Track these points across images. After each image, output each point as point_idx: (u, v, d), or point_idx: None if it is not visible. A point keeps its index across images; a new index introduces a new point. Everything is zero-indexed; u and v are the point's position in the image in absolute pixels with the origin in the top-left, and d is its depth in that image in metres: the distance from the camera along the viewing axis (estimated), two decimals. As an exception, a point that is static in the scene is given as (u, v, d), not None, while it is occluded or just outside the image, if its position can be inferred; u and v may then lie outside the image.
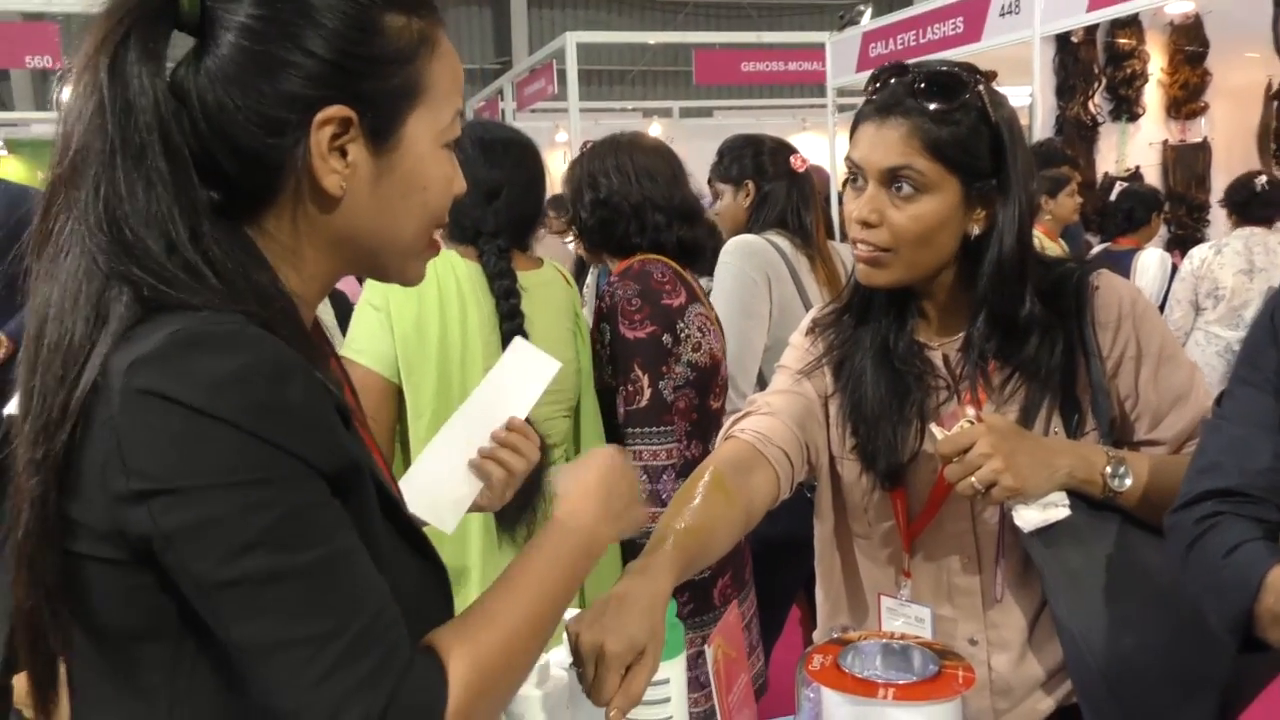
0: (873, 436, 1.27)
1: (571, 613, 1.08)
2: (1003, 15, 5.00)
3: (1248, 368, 1.07)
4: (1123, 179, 5.21)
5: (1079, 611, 1.15)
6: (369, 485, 0.74)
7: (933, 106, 1.17)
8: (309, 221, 0.77)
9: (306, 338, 0.76)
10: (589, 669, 0.91)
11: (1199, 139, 5.73)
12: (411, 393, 1.68)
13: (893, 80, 1.20)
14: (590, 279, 3.58)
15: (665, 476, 1.91)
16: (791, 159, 2.57)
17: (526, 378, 1.26)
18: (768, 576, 2.25)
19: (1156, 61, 5.59)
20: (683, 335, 1.95)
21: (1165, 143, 5.74)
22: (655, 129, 10.79)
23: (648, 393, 1.90)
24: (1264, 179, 4.15)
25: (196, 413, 0.63)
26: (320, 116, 0.73)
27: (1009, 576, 1.26)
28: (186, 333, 0.65)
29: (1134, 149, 5.69)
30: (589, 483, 0.90)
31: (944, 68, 1.21)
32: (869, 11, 6.49)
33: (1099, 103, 5.39)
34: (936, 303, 1.28)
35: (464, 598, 1.69)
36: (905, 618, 1.30)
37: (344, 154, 0.75)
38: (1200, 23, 5.55)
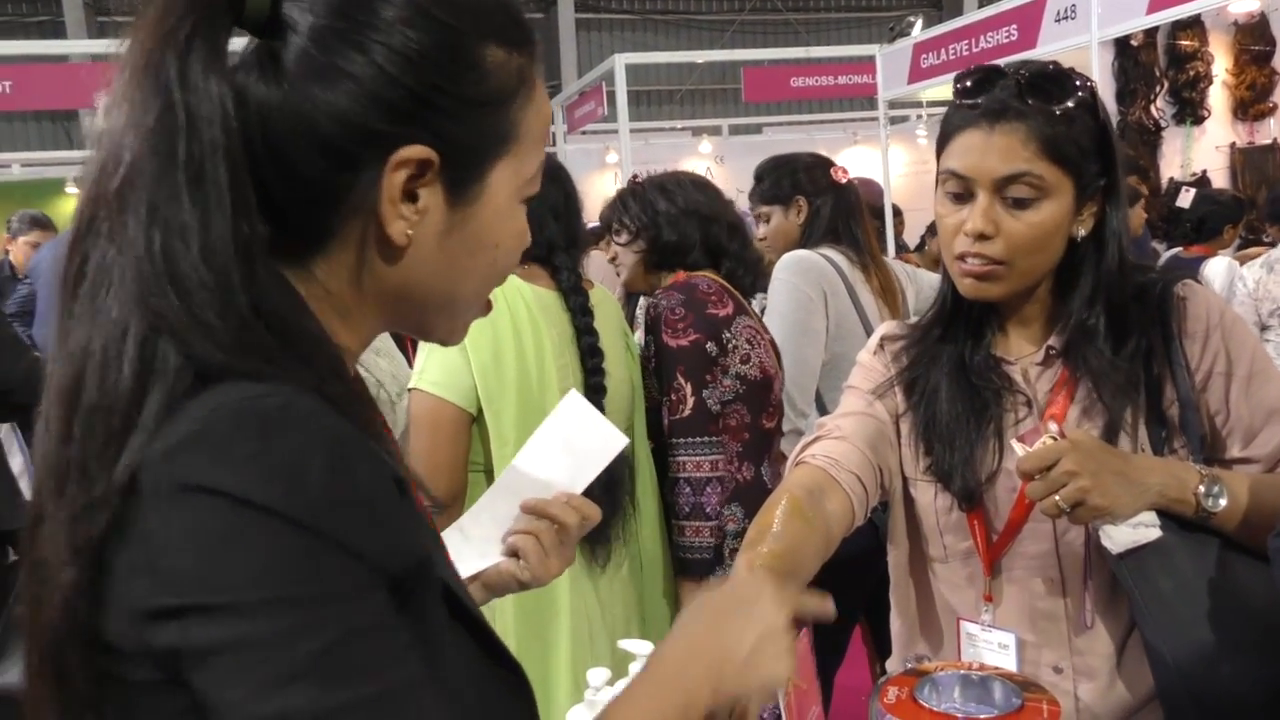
0: (948, 455, 1.22)
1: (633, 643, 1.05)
2: (1059, 21, 4.90)
3: None
4: (1188, 184, 5.08)
5: (1171, 637, 1.09)
6: (436, 584, 0.64)
7: (1049, 107, 1.13)
8: (365, 270, 0.67)
9: (360, 403, 0.66)
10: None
11: (1268, 140, 5.57)
12: (494, 420, 1.68)
13: (993, 83, 1.16)
14: (641, 304, 3.58)
15: (710, 489, 1.88)
16: (832, 171, 2.56)
17: (587, 446, 1.09)
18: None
19: (1221, 62, 5.45)
20: (729, 345, 1.93)
21: (1233, 145, 5.59)
22: (705, 147, 10.80)
23: (690, 401, 1.88)
24: None
25: (240, 505, 0.52)
26: (398, 156, 0.63)
27: (1096, 600, 1.20)
28: (230, 410, 0.55)
29: (1199, 152, 5.54)
30: (698, 636, 0.72)
31: (1048, 66, 1.16)
32: (919, 23, 6.40)
33: (1161, 106, 5.26)
34: (1020, 316, 1.24)
35: (556, 629, 1.69)
36: (988, 644, 1.24)
37: (414, 199, 0.65)
38: (1266, 21, 5.41)
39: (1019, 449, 1.10)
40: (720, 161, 10.08)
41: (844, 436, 1.28)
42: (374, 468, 0.58)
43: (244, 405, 0.55)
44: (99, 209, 0.60)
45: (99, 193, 0.60)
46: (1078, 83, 1.15)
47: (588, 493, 1.53)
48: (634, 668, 1.02)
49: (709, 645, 0.71)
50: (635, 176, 2.22)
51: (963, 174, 1.16)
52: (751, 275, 2.13)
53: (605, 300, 1.93)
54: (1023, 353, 1.24)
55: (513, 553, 1.03)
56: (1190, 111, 5.30)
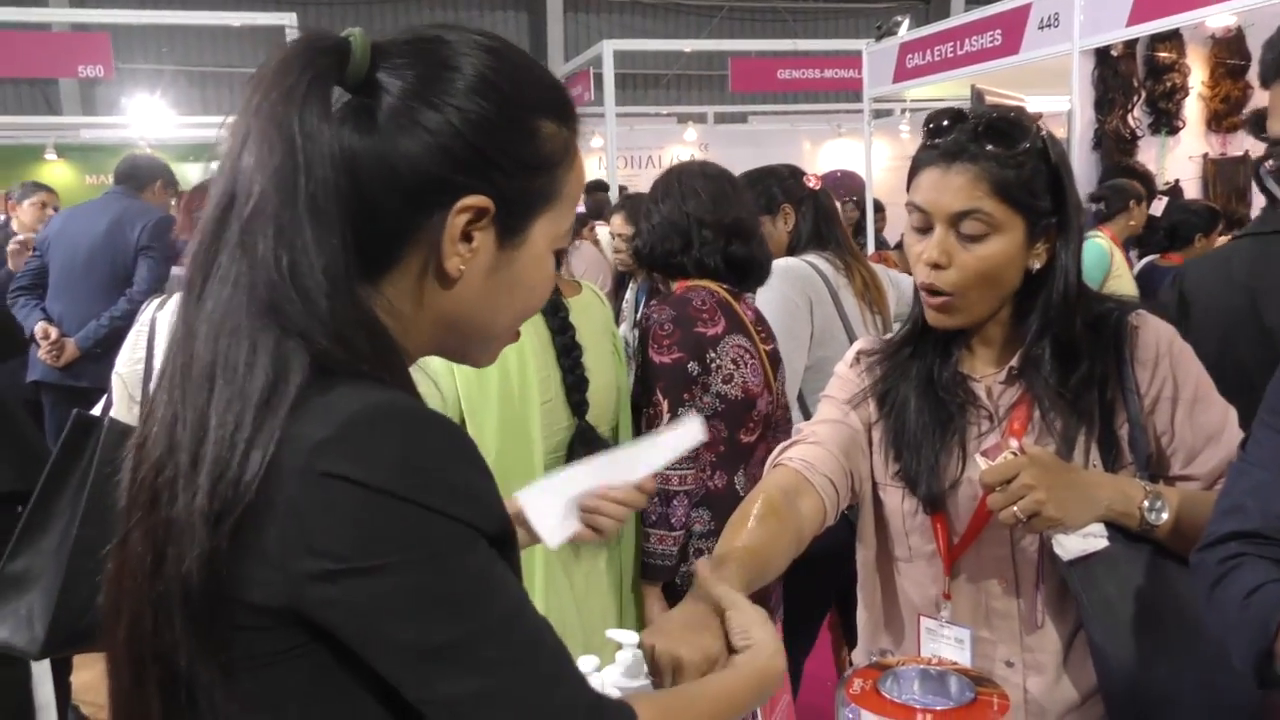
0: (915, 462, 1.32)
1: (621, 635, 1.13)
2: (1042, 28, 4.98)
3: (1272, 414, 1.10)
4: (1162, 193, 5.19)
5: (1114, 638, 1.19)
6: (516, 545, 0.78)
7: (999, 151, 1.21)
8: (424, 295, 0.79)
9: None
10: (665, 679, 0.96)
11: (1240, 152, 5.68)
12: (476, 431, 1.72)
13: (953, 127, 1.25)
14: (630, 294, 3.63)
15: (677, 501, 1.94)
16: (806, 179, 2.66)
17: (675, 443, 1.22)
18: (800, 592, 2.29)
19: (1197, 75, 5.54)
20: (712, 365, 1.98)
21: (1205, 156, 5.70)
22: (690, 134, 10.84)
23: (666, 418, 1.94)
24: None
25: (379, 493, 0.66)
26: (462, 203, 0.76)
27: (1047, 602, 1.30)
28: (366, 413, 0.68)
29: (1173, 162, 5.65)
30: (777, 640, 0.97)
31: (1005, 114, 1.25)
32: (906, 22, 6.47)
33: (1138, 116, 5.36)
34: (985, 337, 1.33)
35: None
36: (945, 639, 1.34)
37: (469, 239, 0.78)
38: (1242, 35, 5.50)
39: (982, 462, 1.19)
40: (705, 149, 10.12)
41: (819, 442, 1.37)
42: (476, 456, 0.73)
43: (374, 409, 0.68)
44: (224, 229, 0.72)
45: (224, 215, 0.72)
46: (1032, 130, 1.25)
47: None
48: (621, 656, 1.09)
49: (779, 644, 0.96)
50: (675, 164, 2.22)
51: (923, 207, 1.26)
52: (755, 279, 2.15)
53: (591, 303, 1.96)
54: (987, 371, 1.33)
55: (591, 526, 1.26)
56: (1166, 122, 5.40)
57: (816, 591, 2.41)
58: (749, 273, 2.12)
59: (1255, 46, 5.47)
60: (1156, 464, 1.28)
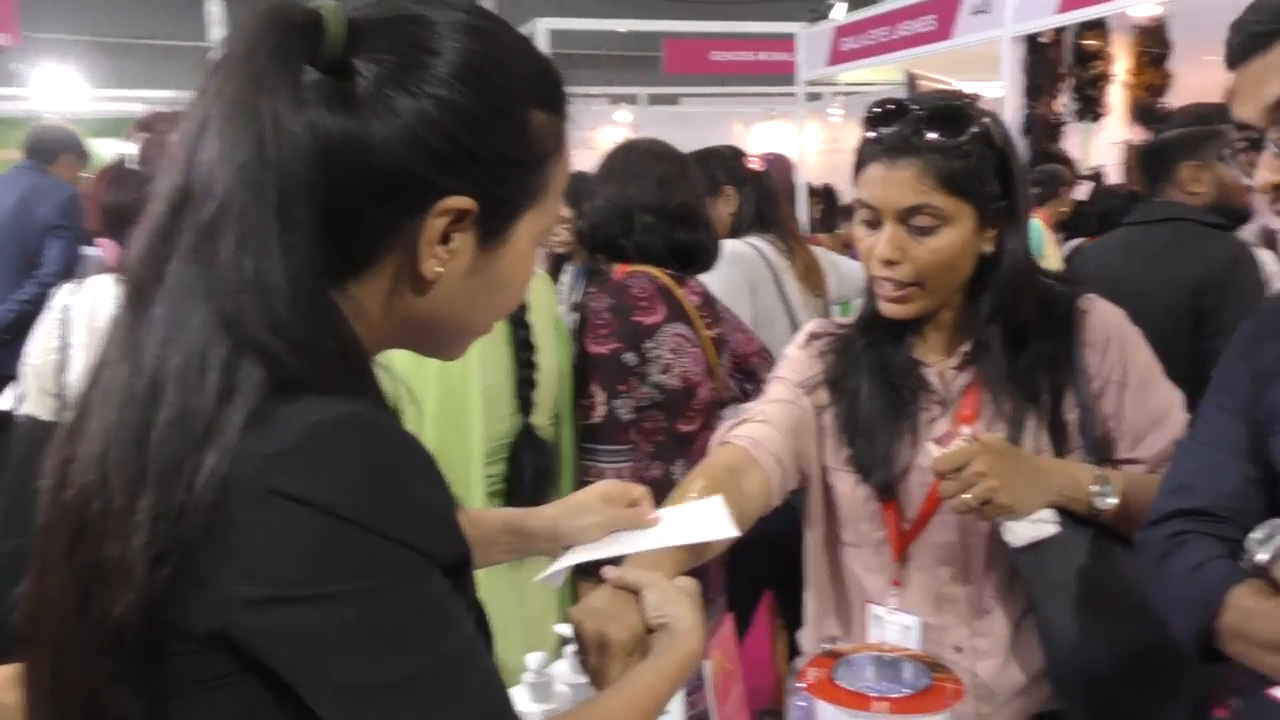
0: (868, 449, 1.30)
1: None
2: (974, 14, 5.03)
3: (1220, 393, 1.12)
4: (1085, 177, 5.31)
5: (1063, 621, 1.19)
6: (470, 571, 0.73)
7: (943, 142, 1.20)
8: (395, 297, 0.72)
9: (397, 416, 0.74)
10: (592, 658, 0.93)
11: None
12: (411, 421, 1.65)
13: (896, 118, 1.23)
14: (566, 277, 3.56)
15: None
16: (746, 161, 2.63)
17: (698, 523, 1.14)
18: (738, 574, 2.28)
19: (1122, 63, 5.68)
20: (650, 355, 1.92)
21: (1128, 143, 5.85)
22: (623, 115, 10.77)
23: (601, 410, 1.89)
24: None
25: (329, 515, 0.60)
26: (443, 205, 0.69)
27: (996, 587, 1.30)
28: (323, 427, 0.62)
29: (1096, 148, 5.79)
30: (695, 613, 0.92)
31: (947, 102, 1.24)
32: (843, 7, 6.50)
33: (1065, 102, 5.47)
34: (938, 323, 1.32)
35: None
36: (893, 625, 1.33)
37: (447, 240, 0.71)
38: (1164, 25, 5.65)
39: (935, 450, 1.18)
40: (637, 130, 10.06)
41: (768, 421, 1.35)
42: (436, 477, 0.67)
43: (333, 423, 0.62)
44: (177, 230, 0.65)
45: (177, 214, 0.65)
46: (975, 115, 1.23)
47: (521, 486, 1.58)
48: (568, 650, 1.06)
49: (698, 618, 0.91)
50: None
51: (871, 204, 1.25)
52: (701, 265, 2.09)
53: (541, 291, 1.89)
54: (940, 357, 1.33)
55: None
56: (1090, 109, 5.54)
57: (754, 575, 2.41)
58: (694, 258, 2.08)
59: (1176, 35, 5.65)
60: (1103, 447, 1.29)
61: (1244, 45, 0.97)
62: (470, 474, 1.65)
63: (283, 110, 0.64)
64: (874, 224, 1.26)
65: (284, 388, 0.63)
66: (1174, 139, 2.48)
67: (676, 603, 0.92)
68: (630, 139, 2.15)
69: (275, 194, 0.63)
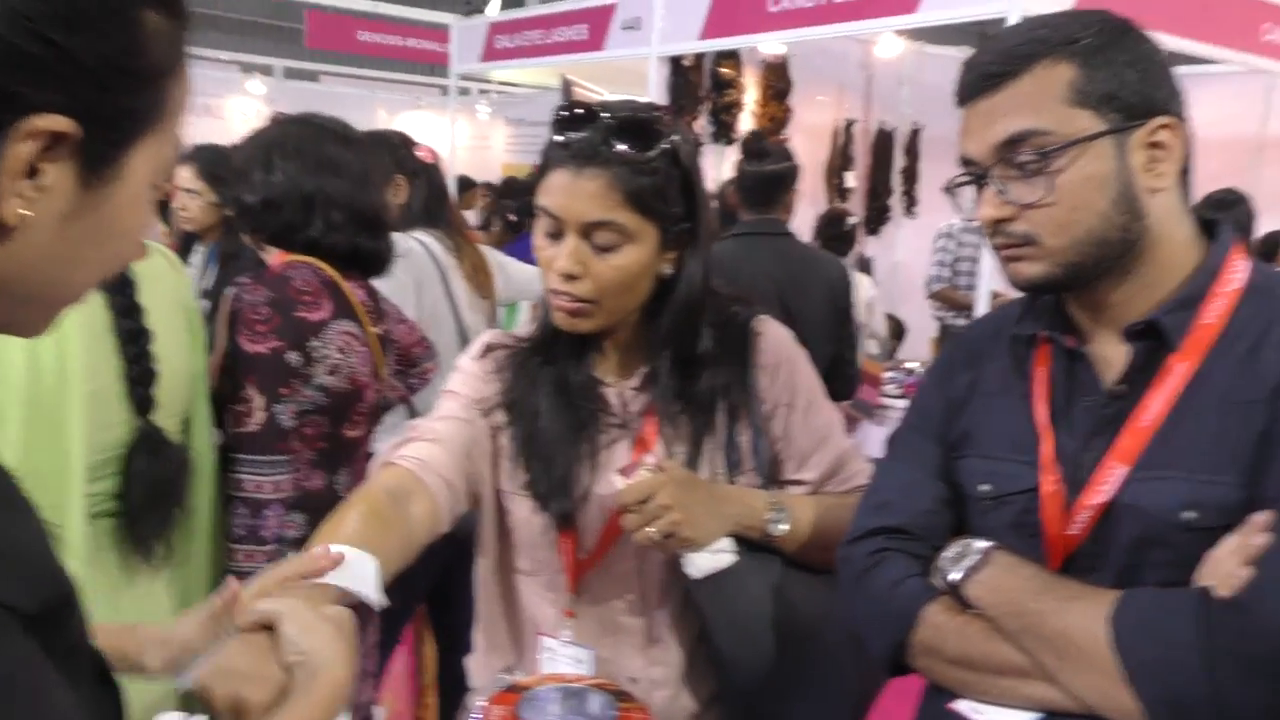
0: (546, 475, 1.24)
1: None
2: (625, 29, 5.21)
3: (916, 415, 1.18)
4: (711, 197, 5.69)
5: (739, 650, 1.20)
6: (78, 611, 0.59)
7: (632, 155, 1.15)
8: None
9: None
10: None
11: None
12: None
13: (586, 124, 1.16)
14: (197, 259, 3.16)
15: (270, 511, 1.67)
16: (418, 151, 2.49)
17: (350, 572, 1.04)
18: (388, 588, 2.14)
19: (752, 94, 6.14)
20: (315, 355, 1.72)
21: (740, 165, 6.36)
22: (256, 87, 9.96)
23: (260, 416, 1.66)
24: (854, 219, 4.73)
25: None
26: (30, 125, 0.53)
27: (670, 615, 1.28)
28: None
29: (726, 171, 6.23)
30: (338, 644, 0.83)
31: (638, 113, 1.19)
32: (498, 4, 6.47)
33: (703, 125, 5.82)
34: (617, 341, 1.28)
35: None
36: (565, 658, 1.27)
37: (34, 174, 0.54)
38: (786, 63, 6.19)
39: (619, 481, 1.13)
40: (271, 104, 9.37)
41: (438, 440, 1.24)
42: (12, 500, 0.56)
43: None
44: None
45: None
46: (665, 132, 1.19)
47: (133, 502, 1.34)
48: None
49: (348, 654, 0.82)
50: (277, 115, 1.90)
51: (554, 213, 1.18)
52: (375, 271, 1.91)
53: (164, 273, 1.60)
54: (620, 376, 1.29)
55: None
56: (724, 133, 5.94)
57: (404, 591, 2.27)
58: (372, 268, 1.90)
59: (796, 74, 6.21)
60: (773, 467, 1.31)
61: (975, 84, 1.00)
62: (68, 492, 1.36)
63: None
64: (556, 235, 1.19)
65: None
66: (783, 170, 3.06)
67: (317, 633, 0.82)
68: (308, 114, 1.89)
69: None
